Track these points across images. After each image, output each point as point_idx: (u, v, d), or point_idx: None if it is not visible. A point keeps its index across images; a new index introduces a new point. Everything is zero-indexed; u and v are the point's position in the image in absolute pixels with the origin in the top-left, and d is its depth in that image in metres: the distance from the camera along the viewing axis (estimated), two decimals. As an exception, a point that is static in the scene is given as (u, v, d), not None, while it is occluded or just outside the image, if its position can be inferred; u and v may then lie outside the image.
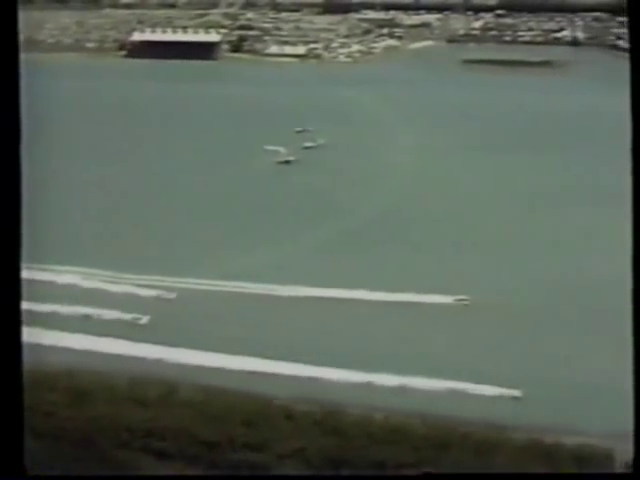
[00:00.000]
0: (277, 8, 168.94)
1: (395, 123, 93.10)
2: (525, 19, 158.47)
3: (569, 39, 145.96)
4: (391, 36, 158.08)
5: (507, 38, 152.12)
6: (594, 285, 51.15)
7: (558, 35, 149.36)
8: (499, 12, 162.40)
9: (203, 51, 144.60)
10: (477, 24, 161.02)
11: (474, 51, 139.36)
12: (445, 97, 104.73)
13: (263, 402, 39.67)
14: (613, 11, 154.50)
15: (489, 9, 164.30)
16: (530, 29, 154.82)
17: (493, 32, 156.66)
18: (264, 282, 51.62)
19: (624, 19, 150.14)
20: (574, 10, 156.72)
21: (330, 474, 35.76)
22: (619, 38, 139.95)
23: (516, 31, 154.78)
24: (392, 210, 66.21)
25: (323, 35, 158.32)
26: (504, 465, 37.55)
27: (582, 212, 65.33)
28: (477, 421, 40.23)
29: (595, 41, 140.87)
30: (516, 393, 42.24)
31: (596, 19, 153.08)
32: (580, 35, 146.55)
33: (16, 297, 6.99)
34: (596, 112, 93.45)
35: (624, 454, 37.82)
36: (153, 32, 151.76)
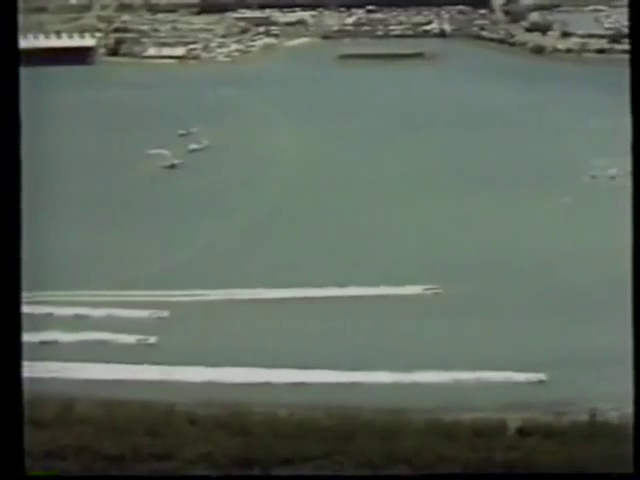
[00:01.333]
0: (153, 9, 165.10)
1: (278, 120, 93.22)
2: (395, 13, 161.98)
3: (437, 31, 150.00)
4: (268, 34, 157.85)
5: (379, 32, 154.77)
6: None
7: (427, 28, 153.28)
8: (370, 7, 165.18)
9: (78, 56, 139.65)
10: (350, 20, 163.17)
11: (349, 46, 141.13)
12: (324, 92, 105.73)
13: (165, 409, 39.03)
14: (475, 4, 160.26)
15: (360, 5, 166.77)
16: (400, 23, 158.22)
17: (366, 27, 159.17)
18: (167, 289, 50.66)
19: (485, 11, 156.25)
20: (440, 4, 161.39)
21: (330, 474, 35.63)
22: (482, 29, 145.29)
23: (387, 25, 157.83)
24: (283, 207, 66.35)
25: (201, 35, 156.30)
26: (408, 447, 38.51)
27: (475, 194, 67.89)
28: (379, 407, 41.08)
29: (461, 32, 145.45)
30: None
31: (460, 12, 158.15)
32: (447, 27, 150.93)
33: (15, 305, 6.96)
34: (469, 99, 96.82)
35: (514, 422, 39.82)
36: (24, 38, 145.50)
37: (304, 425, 39.85)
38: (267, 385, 42.73)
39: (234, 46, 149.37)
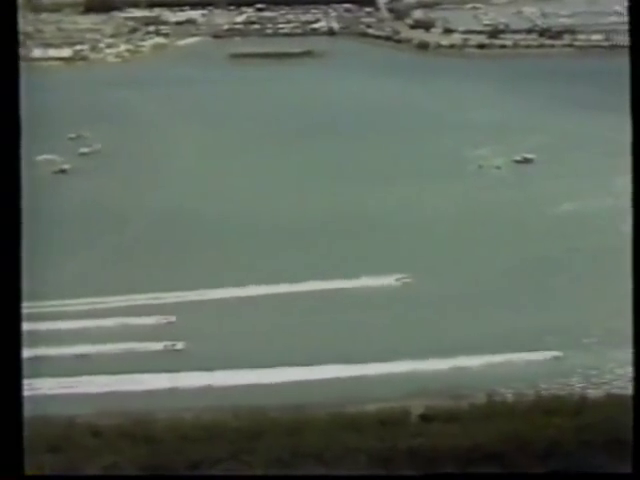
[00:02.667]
0: (36, 9, 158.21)
1: (170, 121, 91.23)
2: (284, 12, 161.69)
3: (325, 29, 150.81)
4: (158, 34, 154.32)
5: (269, 31, 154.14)
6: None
7: (315, 26, 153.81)
8: (259, 6, 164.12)
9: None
10: (240, 19, 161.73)
11: (239, 45, 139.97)
12: (216, 92, 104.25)
13: (65, 423, 37.29)
14: (361, 2, 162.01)
15: (250, 3, 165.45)
16: (289, 21, 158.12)
17: (255, 26, 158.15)
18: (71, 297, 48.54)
19: (371, 9, 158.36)
20: (327, 2, 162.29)
21: (330, 474, 34.79)
22: (369, 27, 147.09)
23: (276, 24, 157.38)
24: (179, 209, 64.97)
25: (88, 36, 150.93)
26: (314, 442, 38.30)
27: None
28: (286, 405, 40.68)
29: (348, 30, 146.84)
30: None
31: (347, 10, 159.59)
32: (335, 25, 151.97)
33: (15, 304, 6.92)
34: (358, 96, 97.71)
35: (418, 409, 40.31)
36: None
37: (211, 428, 38.97)
38: (172, 390, 41.58)
39: (123, 46, 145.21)
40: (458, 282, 52.70)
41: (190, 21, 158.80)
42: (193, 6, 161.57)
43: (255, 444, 38.25)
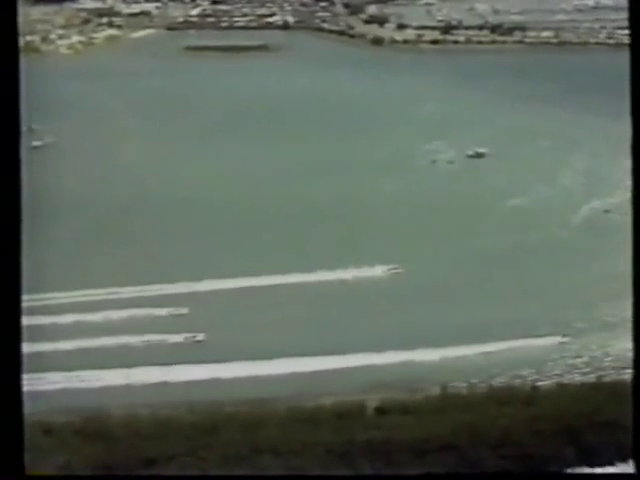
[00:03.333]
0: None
1: (124, 114, 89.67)
2: (239, 5, 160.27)
3: (280, 23, 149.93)
4: (111, 25, 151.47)
5: (224, 24, 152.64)
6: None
7: (270, 20, 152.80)
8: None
9: None
10: (195, 11, 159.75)
11: (194, 38, 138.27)
12: (170, 84, 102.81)
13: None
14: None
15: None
16: (244, 15, 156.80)
17: (211, 19, 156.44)
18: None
19: (326, 4, 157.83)
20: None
21: (330, 474, 34.32)
22: (324, 21, 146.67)
23: (232, 17, 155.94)
24: (134, 202, 64.04)
25: (39, 27, 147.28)
26: (272, 436, 38.05)
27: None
28: (240, 400, 40.30)
29: (303, 25, 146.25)
30: None
31: (302, 4, 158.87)
32: (290, 19, 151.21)
33: (15, 302, 6.93)
34: (312, 90, 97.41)
35: (373, 402, 40.37)
36: None
37: (166, 424, 38.42)
38: (126, 387, 40.86)
39: (76, 38, 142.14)
40: (409, 276, 52.85)
41: (144, 13, 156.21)
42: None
43: (212, 439, 37.86)
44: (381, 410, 40.09)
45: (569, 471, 37.95)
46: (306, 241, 58.02)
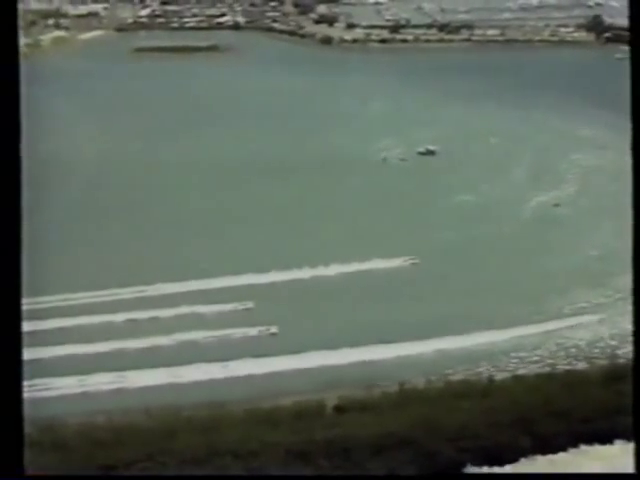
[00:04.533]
0: None
1: (74, 117, 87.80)
2: (189, 5, 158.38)
3: (231, 23, 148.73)
4: (58, 27, 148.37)
5: (174, 25, 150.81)
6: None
7: (221, 20, 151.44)
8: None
9: None
10: (144, 12, 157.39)
11: (144, 39, 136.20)
12: (120, 86, 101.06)
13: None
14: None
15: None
16: (195, 15, 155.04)
17: (161, 19, 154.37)
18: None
19: (276, 3, 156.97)
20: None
21: (331, 474, 33.54)
22: (274, 21, 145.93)
23: (182, 17, 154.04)
24: (85, 205, 62.81)
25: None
26: (230, 438, 37.48)
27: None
28: (200, 403, 39.63)
29: (253, 25, 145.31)
30: None
31: (252, 4, 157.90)
32: (240, 19, 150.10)
33: (15, 301, 6.90)
34: (264, 90, 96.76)
35: (332, 400, 40.07)
36: None
37: (124, 430, 37.53)
38: (83, 394, 39.84)
39: (22, 40, 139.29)
40: (361, 274, 52.74)
41: (92, 14, 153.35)
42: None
43: (170, 443, 37.13)
44: (340, 408, 39.80)
45: (523, 460, 38.31)
46: (257, 241, 57.48)
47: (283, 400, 39.69)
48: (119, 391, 40.36)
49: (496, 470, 37.32)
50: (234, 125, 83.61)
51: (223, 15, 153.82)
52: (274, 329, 46.02)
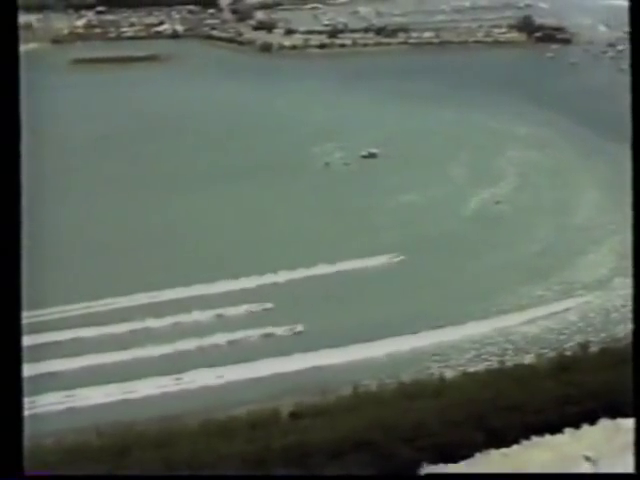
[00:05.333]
0: None
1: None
2: (126, 15, 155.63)
3: (170, 32, 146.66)
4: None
5: (112, 35, 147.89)
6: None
7: (159, 29, 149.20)
8: (100, 9, 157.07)
9: None
10: (80, 22, 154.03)
11: (81, 50, 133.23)
12: (58, 100, 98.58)
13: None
14: (204, 3, 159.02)
15: (89, 6, 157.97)
16: (132, 24, 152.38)
17: (98, 30, 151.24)
18: None
19: (214, 10, 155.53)
20: (170, 4, 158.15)
21: (330, 474, 32.46)
22: (213, 28, 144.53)
23: (119, 27, 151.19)
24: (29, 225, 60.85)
25: None
26: (186, 452, 36.71)
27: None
28: (152, 418, 38.74)
29: (192, 33, 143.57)
30: None
31: (190, 12, 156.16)
32: (179, 28, 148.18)
33: (16, 303, 7.06)
34: (204, 99, 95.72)
35: (287, 407, 39.62)
36: None
37: (75, 450, 36.42)
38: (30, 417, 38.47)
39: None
40: (311, 279, 52.51)
41: (26, 26, 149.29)
42: (27, 10, 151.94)
43: (124, 460, 36.19)
44: (295, 415, 39.42)
45: (478, 455, 38.53)
46: (210, 251, 56.71)
47: (238, 410, 39.10)
48: (69, 410, 39.15)
49: (451, 467, 37.49)
50: (175, 135, 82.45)
51: (162, 23, 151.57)
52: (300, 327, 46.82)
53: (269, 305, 49.36)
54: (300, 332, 46.52)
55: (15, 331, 6.97)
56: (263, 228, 61.00)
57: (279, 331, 46.88)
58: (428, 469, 37.06)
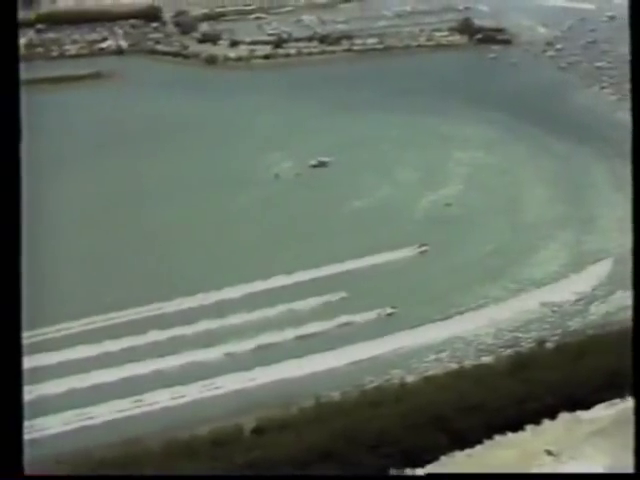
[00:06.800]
0: None
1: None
2: (69, 32, 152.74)
3: (113, 48, 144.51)
4: None
5: (54, 53, 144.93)
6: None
7: (103, 45, 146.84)
8: (40, 27, 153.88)
9: None
10: (20, 42, 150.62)
11: (22, 71, 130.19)
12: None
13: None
14: (147, 17, 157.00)
15: (29, 24, 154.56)
16: (75, 42, 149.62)
17: (39, 49, 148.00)
18: None
19: (158, 24, 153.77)
20: (112, 19, 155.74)
21: (330, 474, 31.27)
22: (157, 43, 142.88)
23: (62, 45, 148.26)
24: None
25: None
26: (146, 475, 35.84)
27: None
28: (111, 442, 37.72)
29: (136, 48, 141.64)
30: None
31: (133, 26, 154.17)
32: (123, 43, 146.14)
33: (15, 304, 7.04)
34: (151, 114, 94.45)
35: (250, 422, 39.03)
36: None
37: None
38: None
39: None
40: (269, 291, 52.06)
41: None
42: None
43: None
44: (258, 430, 38.84)
45: (443, 458, 38.45)
46: (159, 270, 55.77)
47: (200, 428, 38.36)
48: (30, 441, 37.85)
49: (418, 471, 37.33)
50: (122, 152, 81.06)
51: (105, 40, 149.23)
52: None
53: (233, 321, 48.75)
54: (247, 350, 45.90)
55: (15, 331, 7.11)
56: (215, 243, 60.26)
57: (234, 348, 46.21)
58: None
